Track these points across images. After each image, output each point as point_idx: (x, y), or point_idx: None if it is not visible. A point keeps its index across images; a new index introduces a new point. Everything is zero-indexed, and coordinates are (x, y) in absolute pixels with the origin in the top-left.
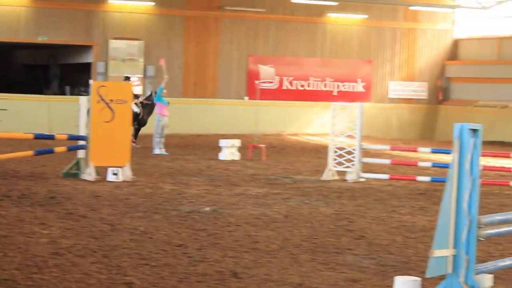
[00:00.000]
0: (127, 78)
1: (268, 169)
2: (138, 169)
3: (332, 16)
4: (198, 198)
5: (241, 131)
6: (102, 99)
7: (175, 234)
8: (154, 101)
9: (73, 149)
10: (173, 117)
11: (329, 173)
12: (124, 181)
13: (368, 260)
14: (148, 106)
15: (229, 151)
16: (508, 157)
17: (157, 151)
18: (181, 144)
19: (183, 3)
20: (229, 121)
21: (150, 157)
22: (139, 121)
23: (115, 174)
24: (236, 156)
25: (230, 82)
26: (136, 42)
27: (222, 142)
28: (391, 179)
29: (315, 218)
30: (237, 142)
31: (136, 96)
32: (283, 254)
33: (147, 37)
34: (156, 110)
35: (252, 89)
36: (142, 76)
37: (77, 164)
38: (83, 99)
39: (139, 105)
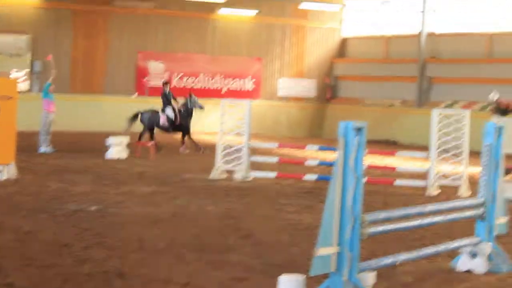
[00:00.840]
0: (167, 83)
1: (156, 168)
2: (24, 167)
3: (222, 12)
4: (84, 196)
5: (132, 129)
6: None
7: (61, 233)
8: (189, 105)
9: None
10: (60, 113)
11: (217, 171)
12: (8, 179)
13: (254, 259)
14: (185, 111)
15: (117, 148)
16: (393, 155)
17: (42, 149)
18: (68, 141)
19: None
20: (117, 118)
21: (36, 155)
22: (177, 127)
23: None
24: (124, 154)
25: (119, 78)
26: (23, 36)
27: (110, 140)
28: (278, 177)
29: (202, 217)
30: (125, 140)
31: (175, 100)
32: (170, 253)
33: (35, 31)
34: (43, 106)
35: (141, 85)
36: (29, 71)
37: None
38: None
39: (175, 111)
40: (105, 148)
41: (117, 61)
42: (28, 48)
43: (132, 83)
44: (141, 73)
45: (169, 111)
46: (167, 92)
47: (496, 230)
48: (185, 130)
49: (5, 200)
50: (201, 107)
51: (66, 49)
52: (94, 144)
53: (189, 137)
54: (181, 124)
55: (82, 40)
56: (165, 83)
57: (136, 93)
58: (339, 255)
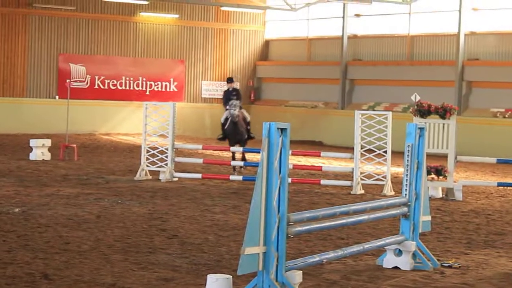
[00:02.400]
0: (230, 80)
1: (80, 169)
2: None
3: (144, 15)
4: (7, 199)
5: (52, 131)
6: None
7: None
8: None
9: None
10: None
11: (142, 172)
12: None
13: (181, 259)
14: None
15: (39, 151)
16: (318, 156)
17: None
18: None
19: None
20: (39, 120)
21: None
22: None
23: None
24: (47, 156)
25: (40, 81)
26: None
27: (32, 142)
28: (204, 178)
29: (128, 218)
30: (47, 142)
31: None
32: (95, 254)
33: None
34: None
35: (62, 88)
36: None
37: None
38: None
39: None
40: (28, 150)
41: (37, 63)
42: None
43: (54, 86)
44: (63, 75)
45: (227, 114)
46: (230, 90)
47: (420, 228)
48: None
49: None
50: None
51: None
52: (16, 146)
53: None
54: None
55: (1, 43)
56: (229, 79)
57: (58, 96)
58: (266, 254)
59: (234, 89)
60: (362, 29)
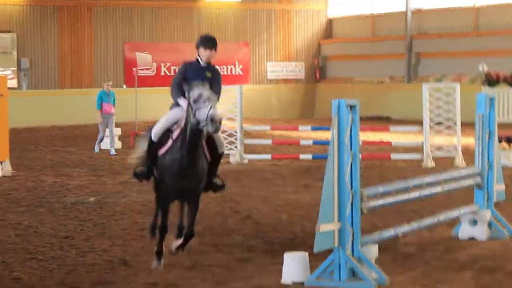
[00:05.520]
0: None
1: None
2: (19, 163)
3: (206, 0)
4: (82, 189)
5: (121, 119)
6: None
7: (61, 226)
8: None
9: None
10: (50, 109)
11: None
12: (4, 176)
13: (256, 240)
14: None
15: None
16: (387, 130)
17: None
18: (61, 136)
19: None
20: None
21: (30, 150)
22: None
23: None
24: (118, 145)
25: (106, 71)
26: (8, 35)
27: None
28: (273, 158)
29: (201, 202)
30: (118, 131)
31: None
32: (171, 239)
33: (20, 29)
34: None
35: (129, 76)
36: (15, 69)
37: None
38: None
39: None
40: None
41: (104, 54)
42: (13, 46)
43: (121, 75)
44: (129, 65)
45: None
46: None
47: (494, 197)
48: None
49: (2, 197)
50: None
51: (52, 45)
52: (87, 137)
53: None
54: None
55: (67, 35)
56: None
57: (125, 85)
58: (341, 230)
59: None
60: (426, 3)
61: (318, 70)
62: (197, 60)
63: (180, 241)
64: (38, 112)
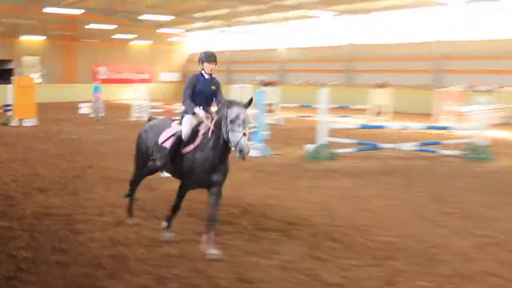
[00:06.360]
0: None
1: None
2: (39, 119)
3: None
4: (70, 133)
5: (90, 99)
6: (19, 86)
7: (60, 149)
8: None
9: (6, 110)
10: (56, 93)
11: None
12: (33, 126)
13: None
14: None
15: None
16: None
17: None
18: (62, 107)
19: None
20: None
21: (44, 113)
22: None
23: (29, 122)
24: (103, 112)
25: (86, 76)
26: (36, 57)
27: (81, 104)
28: None
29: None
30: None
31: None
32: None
33: (42, 54)
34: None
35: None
36: (40, 74)
37: (8, 117)
38: (10, 86)
39: None
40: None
41: (83, 67)
42: (39, 63)
43: (91, 78)
44: (95, 73)
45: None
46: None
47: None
48: None
49: (33, 135)
50: None
51: (57, 63)
52: (74, 108)
53: None
54: None
55: (65, 58)
56: (207, 57)
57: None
58: None
59: (212, 78)
60: None
61: None
62: (201, 73)
63: (209, 233)
64: (50, 95)
